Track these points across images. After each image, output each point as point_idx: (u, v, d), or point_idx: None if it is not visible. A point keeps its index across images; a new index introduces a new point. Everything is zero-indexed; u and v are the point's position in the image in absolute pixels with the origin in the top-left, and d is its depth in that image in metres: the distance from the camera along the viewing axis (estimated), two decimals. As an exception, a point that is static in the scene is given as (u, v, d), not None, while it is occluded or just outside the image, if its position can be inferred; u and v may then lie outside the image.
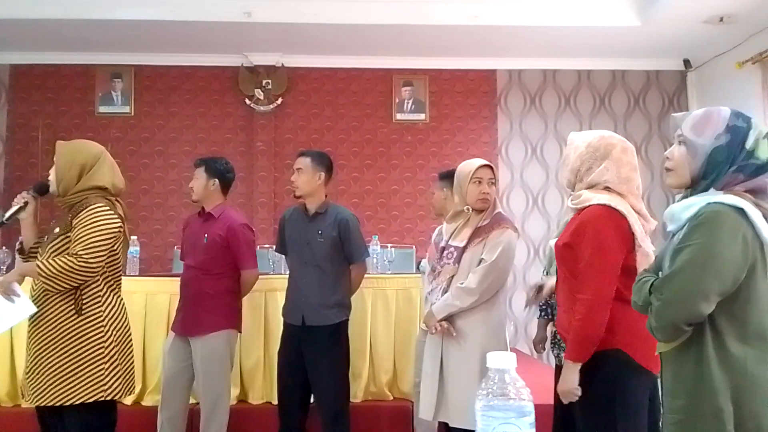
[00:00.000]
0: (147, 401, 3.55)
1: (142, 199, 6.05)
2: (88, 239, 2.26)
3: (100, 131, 6.04)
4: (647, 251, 1.98)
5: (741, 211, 1.46)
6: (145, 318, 3.59)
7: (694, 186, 1.58)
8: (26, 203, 2.39)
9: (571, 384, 1.95)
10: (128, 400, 3.23)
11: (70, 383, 2.26)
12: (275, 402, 3.26)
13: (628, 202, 2.04)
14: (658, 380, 2.57)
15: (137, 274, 3.96)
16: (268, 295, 3.60)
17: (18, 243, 2.48)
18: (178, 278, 3.32)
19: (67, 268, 2.20)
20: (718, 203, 1.47)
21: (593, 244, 1.95)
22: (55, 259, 2.22)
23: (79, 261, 2.21)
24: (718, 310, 1.46)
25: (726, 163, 1.52)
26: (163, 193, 6.11)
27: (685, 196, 1.59)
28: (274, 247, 3.50)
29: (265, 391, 3.61)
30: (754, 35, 5.18)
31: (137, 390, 3.29)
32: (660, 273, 1.60)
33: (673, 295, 1.48)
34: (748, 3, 4.71)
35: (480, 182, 2.65)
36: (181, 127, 6.18)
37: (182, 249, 3.31)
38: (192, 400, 3.24)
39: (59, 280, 2.20)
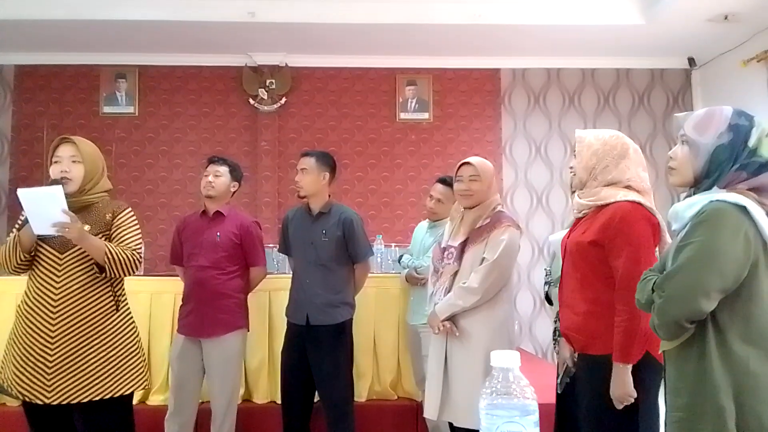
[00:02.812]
0: (152, 401, 3.56)
1: (146, 198, 6.07)
2: (137, 239, 2.43)
3: (105, 131, 6.06)
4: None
5: (743, 209, 1.46)
6: (150, 318, 3.59)
7: (698, 185, 1.58)
8: None
9: (628, 386, 1.90)
10: (134, 399, 3.23)
11: (115, 375, 2.30)
12: (279, 401, 3.26)
13: (648, 200, 2.06)
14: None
15: (142, 273, 3.96)
16: (273, 295, 3.60)
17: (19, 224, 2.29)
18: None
19: (131, 259, 2.34)
20: (721, 201, 1.48)
21: (634, 241, 1.94)
22: (121, 248, 2.34)
23: (138, 257, 2.38)
24: (720, 308, 1.46)
25: (729, 161, 1.52)
26: (167, 193, 6.13)
27: (689, 195, 1.59)
28: (278, 246, 3.50)
29: (269, 390, 3.62)
30: (759, 33, 5.16)
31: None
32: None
33: (675, 292, 1.48)
34: (752, 1, 4.70)
35: (461, 180, 2.70)
36: (186, 127, 6.19)
37: (180, 251, 3.25)
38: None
39: (117, 266, 2.30)
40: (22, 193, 2.18)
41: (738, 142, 1.52)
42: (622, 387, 1.91)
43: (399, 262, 3.65)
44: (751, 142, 1.52)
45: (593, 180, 2.09)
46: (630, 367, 1.91)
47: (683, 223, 1.55)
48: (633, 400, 1.91)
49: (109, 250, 2.28)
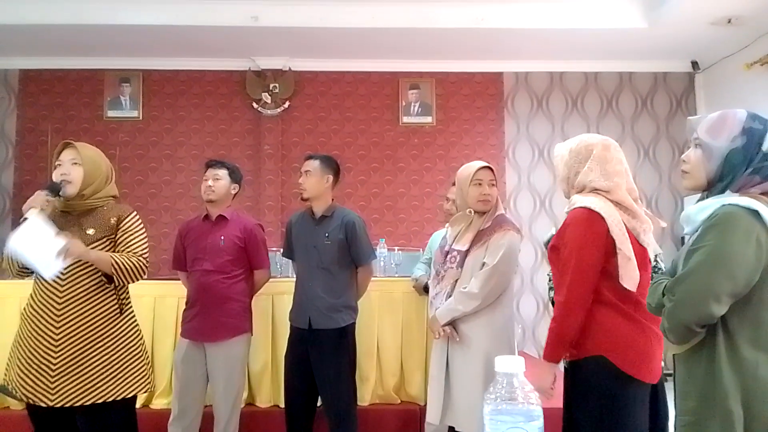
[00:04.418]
0: (155, 404, 3.56)
1: (150, 202, 6.08)
2: (144, 244, 2.43)
3: (109, 135, 6.08)
4: (628, 255, 1.95)
5: (755, 213, 1.44)
6: (153, 321, 3.59)
7: (711, 188, 1.57)
8: (47, 203, 2.28)
9: (545, 382, 2.00)
10: (137, 403, 3.23)
11: (119, 378, 2.30)
12: (283, 405, 3.26)
13: (617, 196, 2.03)
14: (664, 384, 2.57)
15: (146, 277, 3.96)
16: (276, 299, 3.60)
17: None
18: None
19: (138, 266, 2.35)
20: (733, 205, 1.46)
21: (569, 245, 1.99)
22: (127, 256, 2.34)
23: (145, 263, 2.39)
24: (730, 313, 1.45)
25: (742, 165, 1.51)
26: (171, 196, 6.14)
27: (702, 199, 1.58)
28: (281, 251, 3.50)
29: (272, 394, 3.61)
30: (763, 36, 5.16)
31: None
32: None
33: (685, 296, 1.47)
34: (755, 5, 4.69)
35: (480, 184, 2.66)
36: (189, 131, 6.21)
37: (183, 256, 3.25)
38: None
39: (125, 275, 2.32)
40: (14, 241, 2.14)
41: (752, 146, 1.51)
42: (540, 381, 2.01)
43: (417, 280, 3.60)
44: (765, 146, 1.51)
45: (572, 188, 2.14)
46: (552, 365, 2.00)
47: (695, 227, 1.53)
48: (551, 396, 2.01)
49: (116, 261, 2.29)
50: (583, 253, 1.95)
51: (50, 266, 2.19)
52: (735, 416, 1.41)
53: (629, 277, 1.94)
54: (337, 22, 5.31)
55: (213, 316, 3.07)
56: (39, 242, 2.16)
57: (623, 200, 2.04)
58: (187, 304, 3.20)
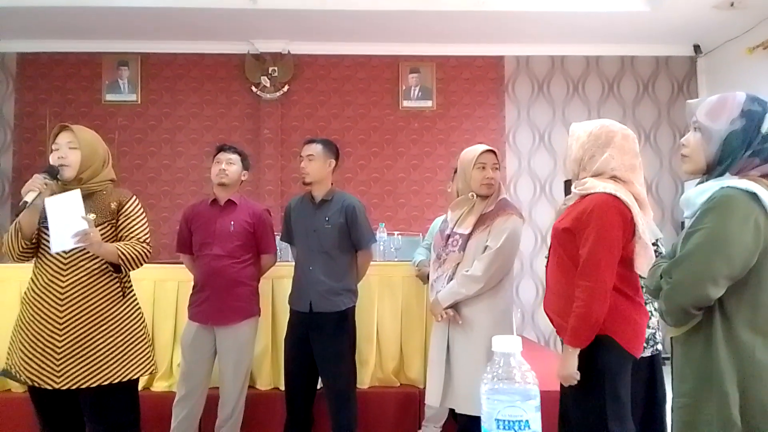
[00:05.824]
0: (156, 387, 3.58)
1: (149, 186, 6.07)
2: (146, 229, 2.45)
3: (107, 119, 6.06)
4: (646, 242, 1.98)
5: (754, 196, 1.44)
6: (153, 305, 3.60)
7: (710, 172, 1.56)
8: (46, 187, 2.27)
9: (571, 369, 1.98)
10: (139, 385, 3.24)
11: (123, 361, 2.32)
12: (283, 387, 3.28)
13: (633, 189, 2.05)
14: (662, 367, 2.58)
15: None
16: (276, 282, 3.60)
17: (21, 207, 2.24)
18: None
19: (143, 253, 2.38)
20: (731, 188, 1.46)
21: (597, 231, 1.96)
22: (131, 244, 2.37)
23: (149, 249, 2.42)
24: (728, 295, 1.46)
25: (741, 148, 1.50)
26: (170, 180, 6.13)
27: (702, 182, 1.58)
28: (280, 235, 3.50)
29: (273, 377, 3.63)
30: (765, 20, 5.13)
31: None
32: None
33: (682, 279, 1.48)
34: (759, -13, 4.66)
35: (484, 167, 2.65)
36: (188, 115, 6.19)
37: (189, 240, 3.24)
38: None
39: (132, 264, 2.36)
40: (49, 201, 2.20)
41: (751, 128, 1.50)
42: (567, 368, 1.99)
43: (416, 265, 3.58)
44: (764, 129, 1.50)
45: (583, 170, 2.12)
46: (577, 351, 1.98)
47: (694, 210, 1.53)
48: (576, 382, 1.99)
49: (122, 252, 2.31)
50: (612, 239, 1.96)
51: (63, 242, 2.21)
52: (730, 398, 1.42)
53: (647, 263, 1.95)
54: (336, 4, 5.27)
55: (224, 300, 3.08)
56: (67, 215, 2.19)
57: (639, 194, 2.05)
58: (195, 288, 3.20)
